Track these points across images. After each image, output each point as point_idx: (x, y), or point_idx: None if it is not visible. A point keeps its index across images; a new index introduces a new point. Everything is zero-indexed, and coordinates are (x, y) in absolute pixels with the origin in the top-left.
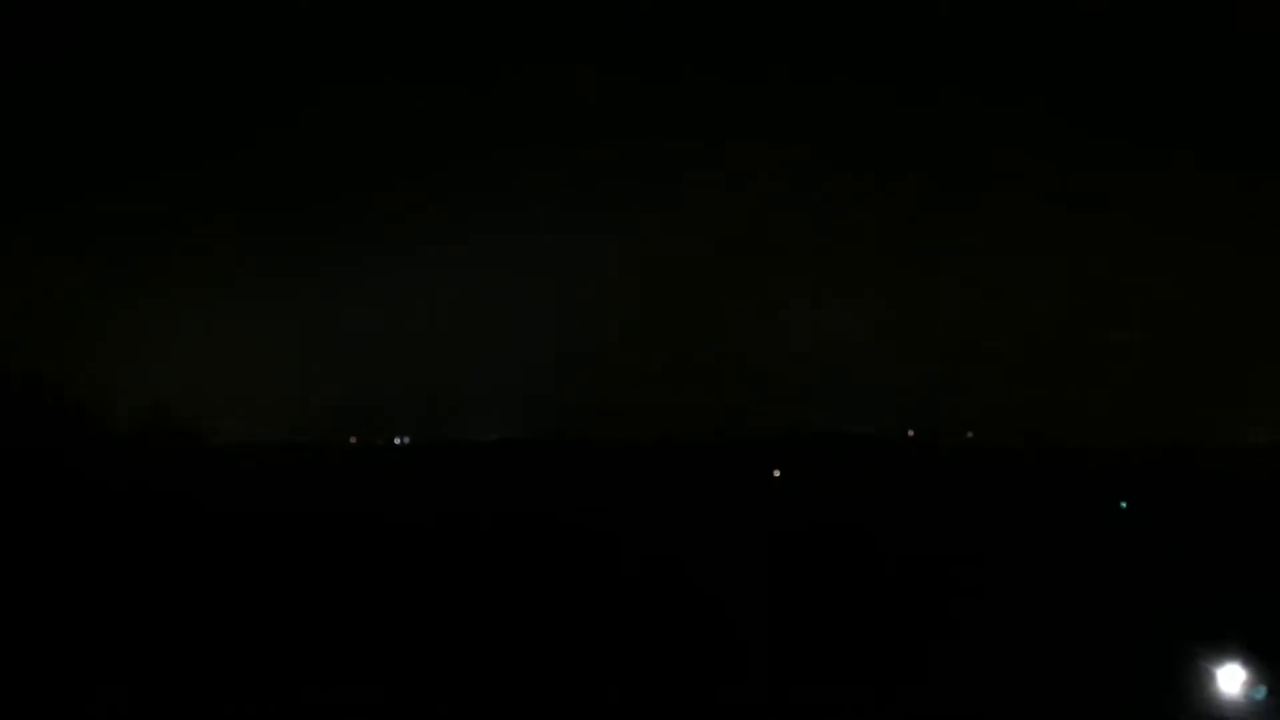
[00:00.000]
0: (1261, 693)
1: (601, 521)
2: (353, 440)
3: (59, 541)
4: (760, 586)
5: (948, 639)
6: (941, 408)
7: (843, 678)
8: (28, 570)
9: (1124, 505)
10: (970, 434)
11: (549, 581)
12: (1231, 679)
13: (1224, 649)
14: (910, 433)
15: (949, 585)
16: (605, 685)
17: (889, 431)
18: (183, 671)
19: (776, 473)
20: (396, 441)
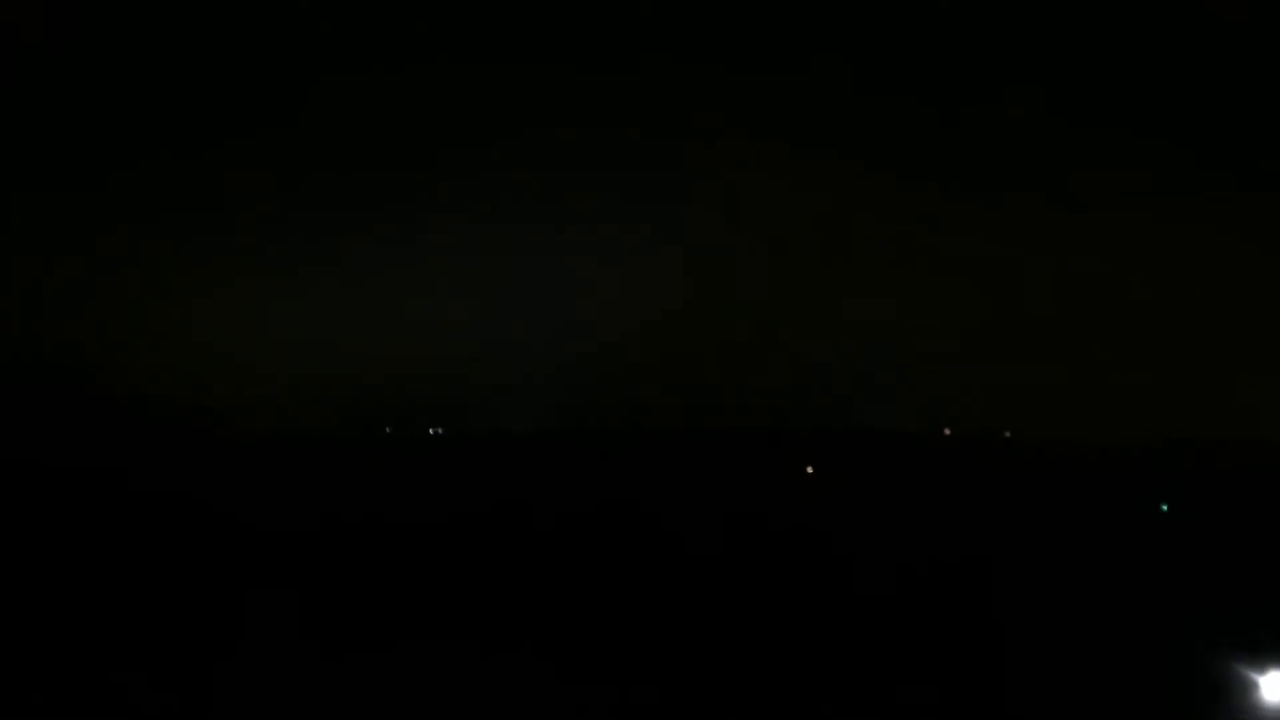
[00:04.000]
0: None
1: (629, 515)
2: (387, 430)
3: (96, 530)
4: (790, 583)
5: (981, 640)
6: (979, 407)
7: (875, 678)
8: (66, 557)
9: (1165, 507)
10: (1008, 433)
11: (576, 574)
12: (1274, 687)
13: (1266, 656)
14: (947, 430)
15: (982, 585)
16: (628, 679)
17: (925, 429)
18: (216, 659)
19: (810, 469)
20: (431, 432)
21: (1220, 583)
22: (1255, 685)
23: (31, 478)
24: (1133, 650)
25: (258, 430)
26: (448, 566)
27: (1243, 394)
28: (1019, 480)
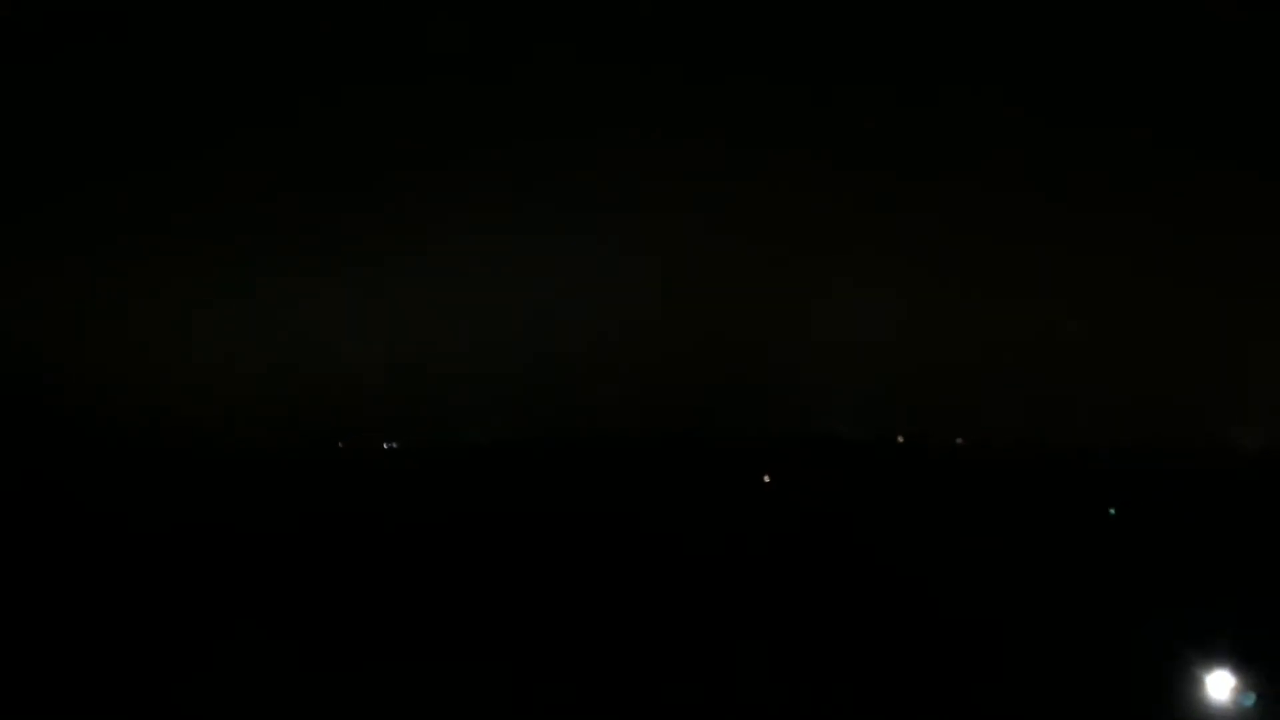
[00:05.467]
0: (1251, 699)
1: (587, 524)
2: (340, 445)
3: (56, 546)
4: (748, 592)
5: (936, 644)
6: (931, 413)
7: (833, 683)
8: (25, 576)
9: (1112, 512)
10: (960, 439)
11: (535, 584)
12: (1221, 685)
13: (1213, 655)
14: (900, 438)
15: (935, 591)
16: (591, 688)
17: (879, 436)
18: (178, 677)
19: (766, 478)
20: (385, 446)
21: (1166, 583)
22: (1201, 683)
23: None
24: (1080, 649)
25: (201, 446)
26: (411, 581)
27: (1192, 398)
28: (971, 486)
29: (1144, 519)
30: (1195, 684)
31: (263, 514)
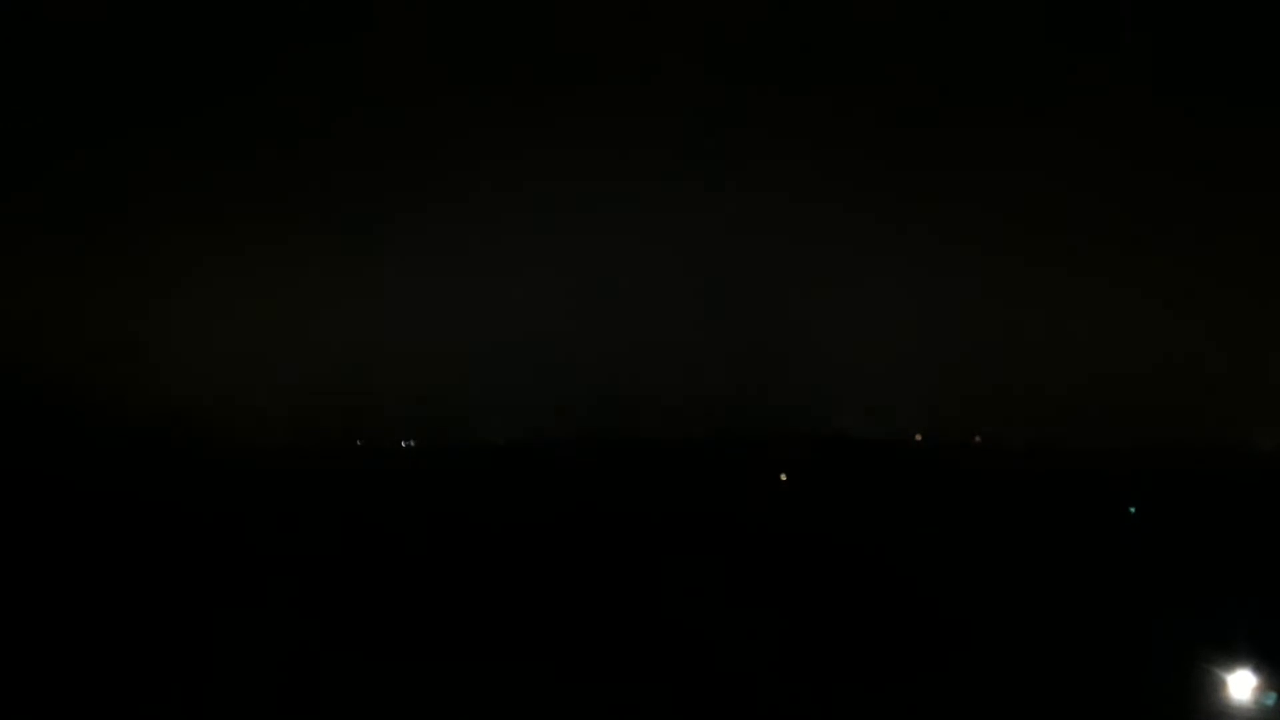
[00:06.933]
0: (1272, 699)
1: (603, 523)
2: (358, 443)
3: (67, 543)
4: (763, 590)
5: (951, 643)
6: (949, 411)
7: (846, 682)
8: (33, 572)
9: (1132, 510)
10: (978, 438)
11: (552, 583)
12: (1242, 685)
13: (1234, 654)
14: (918, 436)
15: (953, 589)
16: (605, 688)
17: (897, 435)
18: (189, 675)
19: (783, 476)
20: (403, 444)
21: (1188, 583)
22: (1223, 684)
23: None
24: (1101, 650)
25: (221, 444)
26: (428, 578)
27: (1212, 399)
28: (990, 484)
29: (1166, 517)
30: (1216, 683)
31: (284, 508)
